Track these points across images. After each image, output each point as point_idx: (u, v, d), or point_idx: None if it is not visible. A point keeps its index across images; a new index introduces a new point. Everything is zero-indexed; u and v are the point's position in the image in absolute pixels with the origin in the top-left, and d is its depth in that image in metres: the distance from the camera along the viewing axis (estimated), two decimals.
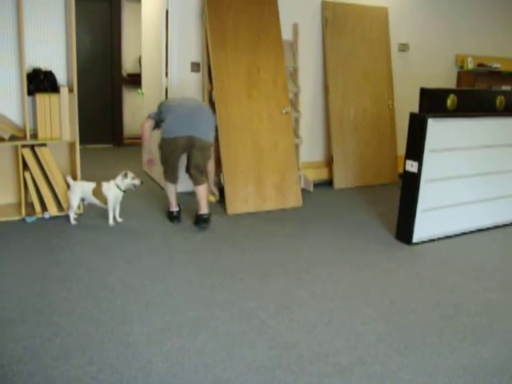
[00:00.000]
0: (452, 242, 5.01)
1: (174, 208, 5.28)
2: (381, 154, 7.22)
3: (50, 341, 2.97)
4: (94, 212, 5.24)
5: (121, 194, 5.04)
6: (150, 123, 5.14)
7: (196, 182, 5.08)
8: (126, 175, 4.99)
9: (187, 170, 5.15)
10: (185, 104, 5.19)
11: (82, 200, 5.16)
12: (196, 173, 5.06)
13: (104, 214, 5.07)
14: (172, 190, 5.25)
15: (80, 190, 5.01)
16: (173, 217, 5.27)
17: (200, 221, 5.06)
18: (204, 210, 5.06)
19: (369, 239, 4.98)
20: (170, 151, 5.02)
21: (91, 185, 5.02)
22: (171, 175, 5.15)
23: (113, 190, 4.98)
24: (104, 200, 5.01)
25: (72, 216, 5.01)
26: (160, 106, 5.18)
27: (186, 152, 5.08)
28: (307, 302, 3.63)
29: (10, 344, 2.92)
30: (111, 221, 5.02)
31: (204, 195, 5.10)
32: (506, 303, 3.77)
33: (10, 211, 5.11)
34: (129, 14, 9.01)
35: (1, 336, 3.01)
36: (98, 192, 4.99)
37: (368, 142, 7.08)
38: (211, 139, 5.14)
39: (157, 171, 6.69)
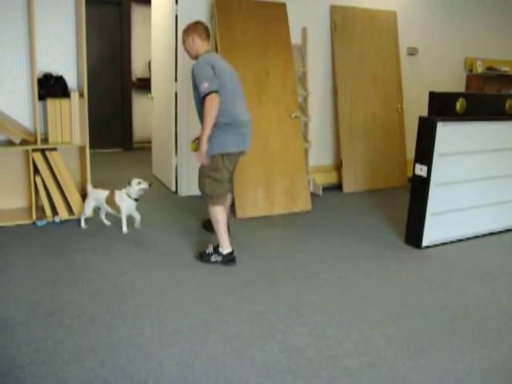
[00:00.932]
0: (461, 245, 5.00)
1: (230, 247, 4.30)
2: (390, 158, 7.22)
3: (61, 343, 3.00)
4: (105, 216, 5.28)
5: (133, 203, 4.95)
6: (218, 98, 3.96)
7: (231, 190, 4.69)
8: (129, 183, 4.90)
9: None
10: (242, 99, 4.30)
11: (98, 208, 5.15)
12: (233, 181, 4.72)
13: (114, 218, 5.09)
14: (225, 219, 4.30)
15: (94, 198, 5.02)
16: (232, 259, 4.30)
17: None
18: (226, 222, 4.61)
19: (378, 243, 4.98)
20: (231, 169, 4.29)
21: (105, 193, 5.01)
22: (225, 197, 4.34)
23: (125, 201, 4.90)
24: (117, 209, 4.95)
25: (82, 220, 5.04)
26: (214, 72, 3.99)
27: None
28: (317, 306, 3.64)
29: (22, 346, 2.95)
30: (125, 229, 4.95)
31: (229, 207, 4.80)
32: None
33: (21, 215, 5.15)
34: (138, 19, 9.07)
35: (13, 339, 3.03)
36: (110, 200, 4.95)
37: (377, 146, 7.08)
38: None
39: (163, 174, 6.72)
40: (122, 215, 4.95)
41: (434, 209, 4.77)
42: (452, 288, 4.04)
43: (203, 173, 4.24)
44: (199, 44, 4.23)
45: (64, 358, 2.85)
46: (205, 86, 3.93)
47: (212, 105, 3.92)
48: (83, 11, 4.94)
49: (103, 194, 5.01)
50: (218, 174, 4.16)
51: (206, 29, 4.29)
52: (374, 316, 3.52)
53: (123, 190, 4.93)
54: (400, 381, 2.80)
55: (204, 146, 4.03)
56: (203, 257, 4.32)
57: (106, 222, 5.15)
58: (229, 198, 4.64)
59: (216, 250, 4.29)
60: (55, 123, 5.04)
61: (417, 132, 4.74)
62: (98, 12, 8.59)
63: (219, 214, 4.20)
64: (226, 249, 4.26)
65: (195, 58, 4.24)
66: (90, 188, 5.06)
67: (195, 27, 4.25)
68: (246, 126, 4.24)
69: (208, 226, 4.84)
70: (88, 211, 5.05)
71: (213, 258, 4.27)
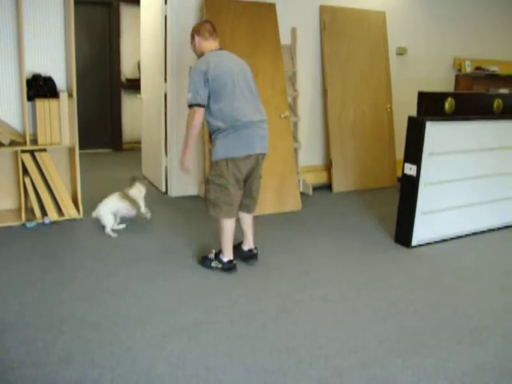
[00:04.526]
0: (451, 244, 5.02)
1: (231, 255, 4.19)
2: (380, 158, 7.24)
3: (51, 345, 2.99)
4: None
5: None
6: (201, 113, 3.87)
7: (251, 210, 4.30)
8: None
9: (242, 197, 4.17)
10: (251, 98, 4.02)
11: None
12: (257, 196, 4.28)
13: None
14: (232, 230, 4.12)
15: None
16: (232, 267, 4.18)
17: (251, 257, 4.36)
18: (252, 243, 4.38)
19: (368, 242, 4.99)
20: (239, 176, 3.99)
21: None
22: (231, 207, 4.03)
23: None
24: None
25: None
26: (207, 79, 3.82)
27: (247, 174, 4.10)
28: (307, 306, 3.65)
29: (11, 349, 2.93)
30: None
31: (252, 226, 4.39)
32: (505, 305, 3.78)
33: (11, 216, 5.12)
34: (127, 19, 9.04)
35: (2, 341, 3.02)
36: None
37: (367, 146, 7.10)
38: None
39: (152, 175, 6.70)
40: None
41: (424, 208, 4.79)
42: (441, 287, 4.06)
43: (208, 180, 4.07)
44: (202, 44, 4.08)
45: (54, 360, 2.84)
46: (188, 97, 3.88)
47: (192, 118, 3.86)
48: (72, 12, 4.92)
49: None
50: (223, 180, 3.94)
51: (210, 27, 4.09)
52: (364, 315, 3.54)
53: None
54: (390, 380, 2.81)
55: (185, 158, 4.03)
56: (204, 261, 4.26)
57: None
58: (251, 219, 4.35)
59: (217, 256, 4.21)
60: (44, 124, 5.01)
61: (406, 132, 4.76)
62: (87, 12, 8.57)
63: (227, 226, 4.08)
64: (226, 257, 4.16)
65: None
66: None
67: (197, 28, 4.12)
68: (254, 127, 3.94)
69: (249, 259, 4.39)
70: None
71: (213, 264, 4.19)
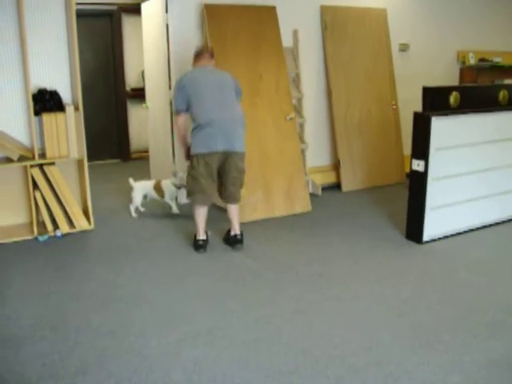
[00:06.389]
0: (462, 238, 5.01)
1: (202, 236, 4.76)
2: (387, 155, 7.23)
3: (67, 357, 3.01)
4: (106, 226, 5.30)
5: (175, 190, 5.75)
6: (183, 118, 4.67)
7: (232, 201, 4.77)
8: (175, 174, 5.71)
9: (220, 189, 4.76)
10: (219, 100, 4.56)
11: (145, 197, 5.83)
12: (234, 190, 4.71)
13: (116, 228, 5.10)
14: (202, 214, 4.73)
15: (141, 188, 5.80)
16: (199, 245, 4.74)
17: (235, 242, 4.78)
18: (238, 230, 4.80)
19: (379, 240, 4.98)
20: (208, 168, 4.54)
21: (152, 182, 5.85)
22: (203, 196, 4.63)
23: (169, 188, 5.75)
24: (162, 195, 5.78)
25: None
26: (182, 87, 4.56)
27: (219, 169, 4.63)
28: (320, 306, 3.65)
29: (28, 362, 2.96)
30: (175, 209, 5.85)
31: (238, 214, 4.82)
32: None
33: (23, 231, 5.15)
34: (130, 29, 9.07)
35: (19, 354, 3.04)
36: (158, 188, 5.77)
37: (374, 144, 7.09)
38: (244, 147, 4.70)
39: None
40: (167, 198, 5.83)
41: (433, 203, 4.78)
42: (454, 281, 4.05)
43: (187, 171, 4.78)
44: (194, 64, 4.86)
45: (71, 372, 2.86)
46: (174, 105, 4.77)
47: (176, 122, 4.83)
48: (74, 24, 4.95)
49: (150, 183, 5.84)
50: (194, 171, 4.57)
51: (202, 55, 4.81)
52: (378, 312, 3.54)
53: (168, 180, 5.77)
54: (406, 376, 2.81)
55: (183, 151, 4.91)
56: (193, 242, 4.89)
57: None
58: (234, 209, 4.80)
59: (195, 236, 4.81)
60: (52, 138, 5.05)
61: (412, 127, 4.75)
62: (90, 24, 8.60)
63: (198, 210, 4.69)
64: (197, 236, 4.76)
65: None
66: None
67: (194, 55, 4.87)
68: (215, 127, 4.47)
69: (234, 243, 4.82)
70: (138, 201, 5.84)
71: (194, 243, 4.81)
